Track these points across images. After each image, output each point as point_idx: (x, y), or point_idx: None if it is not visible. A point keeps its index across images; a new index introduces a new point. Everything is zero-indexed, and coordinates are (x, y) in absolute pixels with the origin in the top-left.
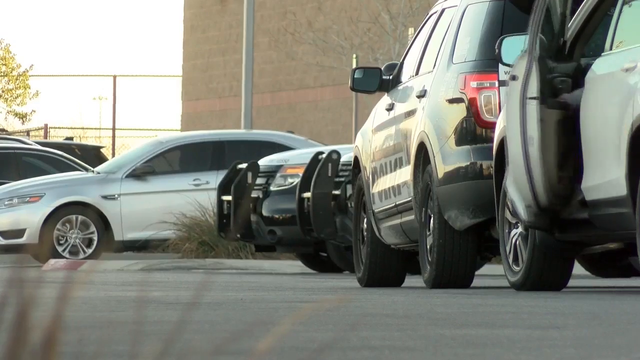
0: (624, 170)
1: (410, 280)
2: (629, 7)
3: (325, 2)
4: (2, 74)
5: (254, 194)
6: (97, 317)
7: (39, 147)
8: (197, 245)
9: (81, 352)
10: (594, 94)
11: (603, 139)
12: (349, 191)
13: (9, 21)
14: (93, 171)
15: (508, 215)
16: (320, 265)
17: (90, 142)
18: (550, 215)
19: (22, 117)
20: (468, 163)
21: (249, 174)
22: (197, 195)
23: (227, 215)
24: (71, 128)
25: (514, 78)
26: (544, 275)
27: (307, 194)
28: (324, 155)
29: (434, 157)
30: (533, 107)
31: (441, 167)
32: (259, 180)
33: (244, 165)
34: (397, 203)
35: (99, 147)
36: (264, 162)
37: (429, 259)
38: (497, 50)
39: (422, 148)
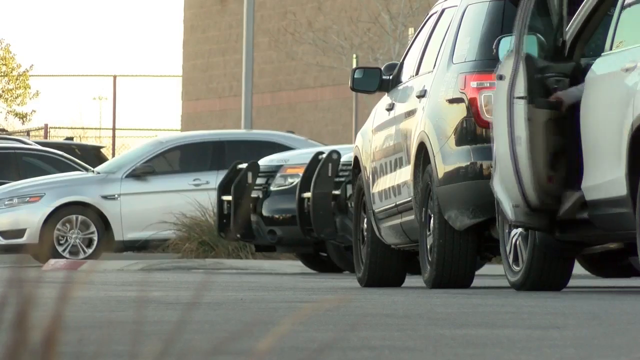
0: (624, 170)
1: (410, 280)
2: (629, 7)
3: (325, 2)
4: (2, 74)
5: (254, 194)
6: (97, 317)
7: (39, 147)
8: (197, 245)
9: (81, 352)
10: (594, 94)
11: (603, 139)
12: (349, 191)
13: (9, 21)
14: (93, 171)
15: None
16: (320, 265)
17: (90, 142)
18: (545, 214)
19: (22, 117)
20: (468, 163)
21: (249, 174)
22: (197, 195)
23: (227, 215)
24: (71, 128)
25: (500, 78)
26: (544, 275)
27: (307, 194)
28: (324, 155)
29: (434, 157)
30: (520, 107)
31: (441, 167)
32: (259, 180)
33: (244, 165)
34: (397, 203)
35: (99, 147)
36: (264, 162)
37: (429, 259)
38: (494, 50)
39: (422, 148)
